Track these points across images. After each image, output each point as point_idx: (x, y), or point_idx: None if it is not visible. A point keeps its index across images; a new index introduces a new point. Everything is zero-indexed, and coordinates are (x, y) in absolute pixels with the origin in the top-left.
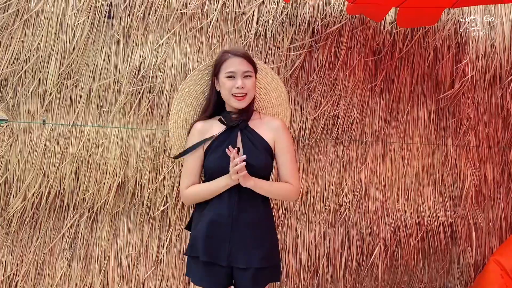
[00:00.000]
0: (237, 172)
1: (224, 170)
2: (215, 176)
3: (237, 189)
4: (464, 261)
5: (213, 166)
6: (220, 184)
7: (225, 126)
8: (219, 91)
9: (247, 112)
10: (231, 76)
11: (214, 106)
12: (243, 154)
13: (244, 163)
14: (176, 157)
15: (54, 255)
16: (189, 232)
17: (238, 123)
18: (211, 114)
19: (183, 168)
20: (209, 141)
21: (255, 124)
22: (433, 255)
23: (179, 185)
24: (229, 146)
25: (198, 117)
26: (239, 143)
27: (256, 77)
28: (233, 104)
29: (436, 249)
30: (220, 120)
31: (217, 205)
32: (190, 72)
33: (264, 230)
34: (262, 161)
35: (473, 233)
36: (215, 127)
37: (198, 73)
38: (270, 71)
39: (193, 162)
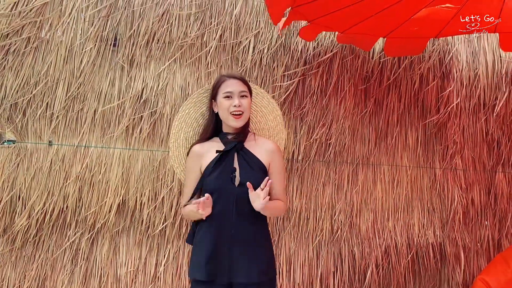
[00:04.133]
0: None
1: (221, 190)
2: (213, 196)
3: (235, 206)
4: (453, 281)
5: (211, 187)
6: (192, 211)
7: (222, 148)
8: (217, 112)
9: (243, 133)
10: (228, 96)
11: (212, 127)
12: (240, 175)
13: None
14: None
15: (55, 272)
16: (187, 248)
17: (235, 146)
18: (209, 136)
19: (183, 188)
20: (207, 163)
21: (250, 145)
22: (423, 275)
23: (177, 204)
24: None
25: (197, 140)
26: (236, 164)
27: (251, 99)
28: (230, 123)
29: (426, 269)
30: (217, 151)
31: (216, 224)
32: (190, 96)
33: (261, 245)
34: (258, 180)
35: (462, 254)
36: (213, 149)
37: (198, 96)
38: (266, 95)
39: (191, 184)
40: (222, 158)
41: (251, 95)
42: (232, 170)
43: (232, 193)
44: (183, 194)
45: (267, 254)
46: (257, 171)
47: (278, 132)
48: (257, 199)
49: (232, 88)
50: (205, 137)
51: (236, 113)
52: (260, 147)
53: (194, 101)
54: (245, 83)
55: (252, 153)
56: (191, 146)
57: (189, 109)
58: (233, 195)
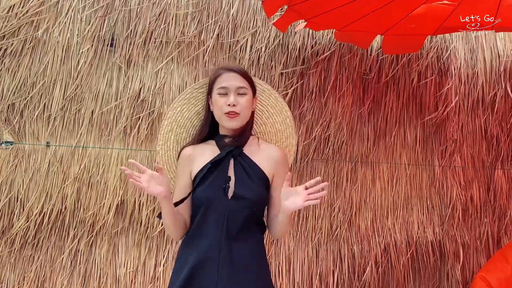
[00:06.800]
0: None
1: (211, 203)
2: (201, 210)
3: (225, 223)
4: (453, 278)
5: (199, 199)
6: (164, 211)
7: (216, 152)
8: (213, 111)
9: (243, 136)
10: (223, 93)
11: (208, 128)
12: (235, 185)
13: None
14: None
15: (54, 273)
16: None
17: (232, 150)
18: (204, 138)
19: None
20: (198, 168)
21: (251, 151)
22: (423, 273)
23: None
24: (123, 168)
25: (189, 141)
26: (231, 172)
27: (254, 97)
28: (224, 123)
29: (426, 267)
30: (209, 163)
31: (201, 244)
32: (183, 91)
33: (256, 271)
34: (256, 193)
35: (461, 251)
36: (206, 153)
37: (192, 91)
38: (273, 92)
39: (180, 193)
40: (216, 163)
41: (254, 92)
42: (226, 180)
43: (224, 206)
44: None
45: (262, 280)
46: (256, 182)
47: (287, 137)
48: (295, 196)
49: (227, 83)
50: (199, 138)
51: (230, 113)
52: (263, 154)
53: (188, 97)
54: (245, 77)
55: (253, 160)
56: (182, 148)
57: (181, 107)
58: (224, 209)
